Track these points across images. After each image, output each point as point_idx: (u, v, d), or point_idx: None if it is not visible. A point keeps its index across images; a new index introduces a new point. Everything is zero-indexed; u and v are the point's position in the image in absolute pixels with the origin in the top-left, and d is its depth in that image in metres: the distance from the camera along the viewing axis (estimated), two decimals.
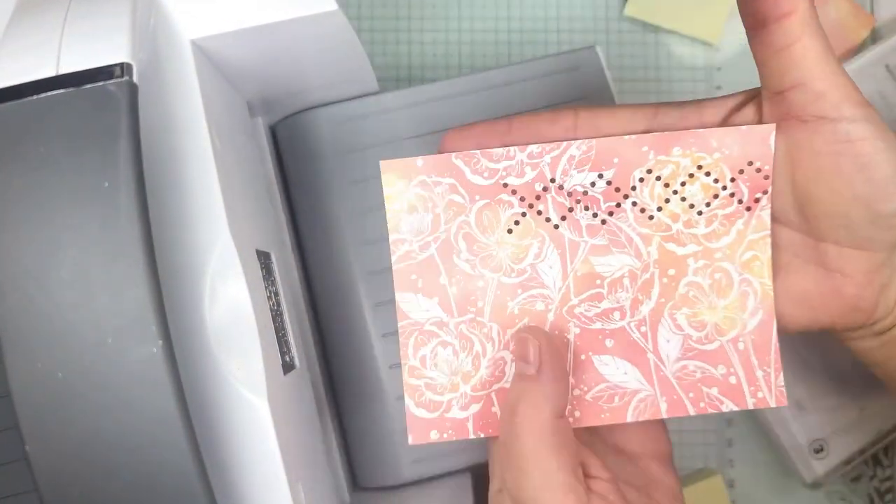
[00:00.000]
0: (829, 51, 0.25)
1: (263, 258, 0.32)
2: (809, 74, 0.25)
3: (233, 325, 0.27)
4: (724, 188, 0.28)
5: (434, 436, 0.28)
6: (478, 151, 0.28)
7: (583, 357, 0.28)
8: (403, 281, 0.28)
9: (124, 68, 0.23)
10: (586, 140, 0.28)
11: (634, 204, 0.28)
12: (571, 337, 0.28)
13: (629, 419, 0.28)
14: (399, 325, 0.28)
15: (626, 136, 0.28)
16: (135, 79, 0.23)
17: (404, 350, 0.28)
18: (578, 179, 0.28)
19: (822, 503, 0.45)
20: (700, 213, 0.28)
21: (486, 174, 0.28)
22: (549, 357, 0.26)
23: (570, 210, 0.28)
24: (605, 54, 0.46)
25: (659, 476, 0.30)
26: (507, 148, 0.28)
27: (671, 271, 0.28)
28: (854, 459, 0.41)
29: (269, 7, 0.29)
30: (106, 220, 0.22)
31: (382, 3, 0.47)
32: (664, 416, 0.28)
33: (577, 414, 0.28)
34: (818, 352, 0.42)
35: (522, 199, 0.28)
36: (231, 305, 0.27)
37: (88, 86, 0.23)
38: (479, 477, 0.38)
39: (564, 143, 0.28)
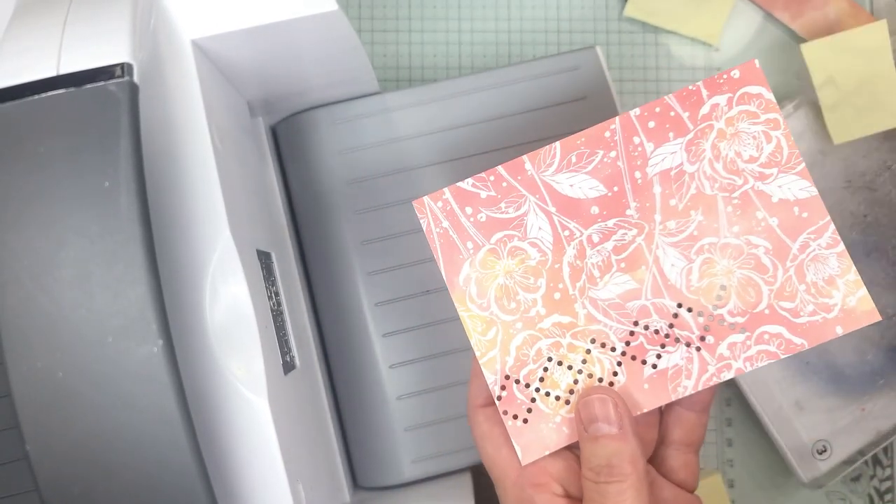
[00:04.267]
0: None
1: (264, 258, 0.33)
2: None
3: (233, 324, 0.27)
4: None
5: None
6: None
7: None
8: None
9: (125, 68, 0.23)
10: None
11: None
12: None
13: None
14: None
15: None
16: (135, 79, 0.23)
17: None
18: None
19: (822, 503, 0.45)
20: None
21: None
22: (628, 414, 0.27)
23: None
24: (605, 54, 0.46)
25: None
26: None
27: None
28: (856, 460, 0.41)
29: (270, 7, 0.29)
30: (106, 220, 0.22)
31: (382, 3, 0.47)
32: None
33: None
34: (819, 353, 0.42)
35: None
36: (232, 305, 0.27)
37: (89, 86, 0.23)
38: (480, 476, 0.38)
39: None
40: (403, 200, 0.39)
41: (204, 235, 0.27)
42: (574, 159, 0.28)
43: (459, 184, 0.29)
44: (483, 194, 0.29)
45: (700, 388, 0.28)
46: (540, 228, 0.28)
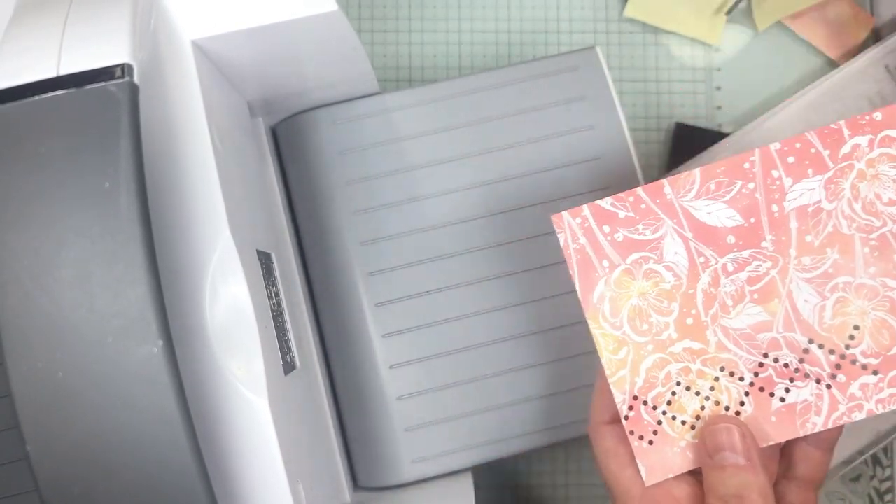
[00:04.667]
0: None
1: (264, 258, 0.33)
2: None
3: (234, 325, 0.27)
4: None
5: None
6: None
7: None
8: None
9: (125, 69, 0.23)
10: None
11: None
12: None
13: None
14: None
15: None
16: (136, 79, 0.23)
17: None
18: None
19: (822, 503, 0.45)
20: None
21: None
22: (755, 445, 0.27)
23: None
24: (605, 54, 0.46)
25: None
26: None
27: None
28: (854, 460, 0.41)
29: (270, 7, 0.29)
30: (107, 221, 0.22)
31: (382, 3, 0.47)
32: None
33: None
34: None
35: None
36: (232, 305, 0.27)
37: (89, 86, 0.23)
38: (479, 476, 0.38)
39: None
40: (404, 201, 0.39)
41: (204, 235, 0.27)
42: (713, 187, 0.28)
43: (598, 202, 0.29)
44: (621, 214, 0.29)
45: (829, 426, 0.27)
46: (676, 253, 0.29)
